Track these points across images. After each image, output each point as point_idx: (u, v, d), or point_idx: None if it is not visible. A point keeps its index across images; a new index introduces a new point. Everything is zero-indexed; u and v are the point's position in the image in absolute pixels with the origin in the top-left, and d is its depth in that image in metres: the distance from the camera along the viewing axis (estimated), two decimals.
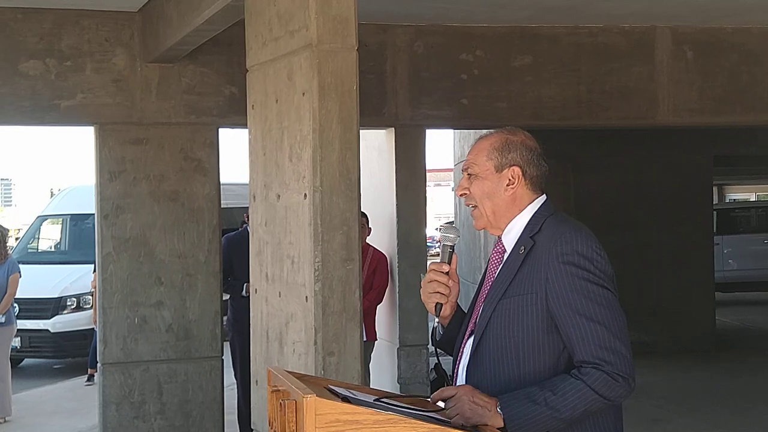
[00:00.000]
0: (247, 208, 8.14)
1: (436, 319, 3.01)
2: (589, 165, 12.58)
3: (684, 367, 11.76)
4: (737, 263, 19.14)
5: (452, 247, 2.97)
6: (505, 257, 2.88)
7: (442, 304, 2.95)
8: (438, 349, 3.03)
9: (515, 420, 2.63)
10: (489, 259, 2.96)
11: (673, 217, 12.78)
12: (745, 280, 19.20)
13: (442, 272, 2.93)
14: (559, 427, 2.67)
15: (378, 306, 8.34)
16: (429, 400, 2.87)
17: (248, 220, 8.25)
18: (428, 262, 8.78)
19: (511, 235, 2.88)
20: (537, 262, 2.75)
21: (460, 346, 2.92)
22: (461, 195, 2.95)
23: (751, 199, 34.89)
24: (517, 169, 2.86)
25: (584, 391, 2.63)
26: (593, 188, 12.54)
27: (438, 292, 2.93)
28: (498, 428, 2.63)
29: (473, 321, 2.90)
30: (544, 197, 2.91)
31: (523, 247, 2.81)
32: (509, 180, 2.86)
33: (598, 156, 12.58)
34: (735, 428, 8.70)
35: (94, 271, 10.72)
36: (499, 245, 2.93)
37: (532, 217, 2.86)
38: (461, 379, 2.87)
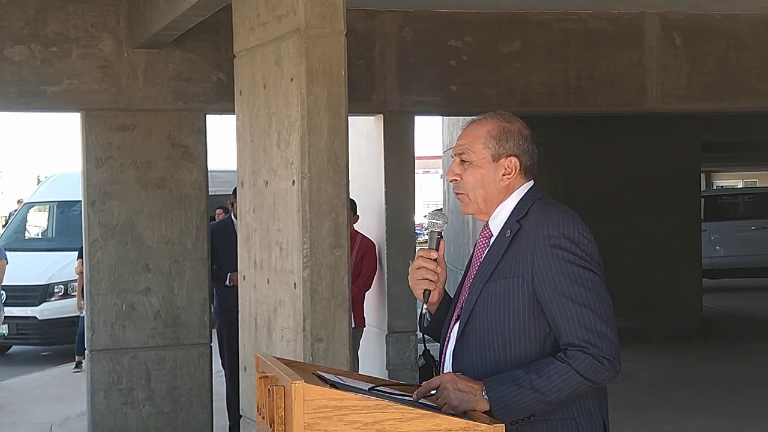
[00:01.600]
0: (230, 195, 8.14)
1: (424, 306, 3.00)
2: (578, 151, 12.58)
3: (671, 353, 11.80)
4: (724, 250, 19.20)
5: (440, 233, 2.95)
6: (491, 241, 2.87)
7: (430, 291, 2.93)
8: (426, 336, 3.02)
9: (501, 403, 2.63)
10: (476, 244, 2.95)
11: (661, 204, 12.80)
12: (732, 267, 19.27)
13: (431, 259, 2.92)
14: (545, 409, 2.67)
15: (366, 293, 8.34)
16: (418, 386, 2.86)
17: (232, 207, 8.24)
18: (417, 249, 8.79)
19: (497, 220, 2.87)
20: (523, 246, 2.74)
21: (447, 331, 2.91)
22: (452, 180, 2.92)
23: (738, 186, 35.00)
24: (514, 160, 2.84)
25: (569, 374, 2.63)
26: (581, 175, 12.55)
27: (426, 279, 2.91)
28: (484, 412, 2.62)
29: (459, 306, 2.89)
30: (531, 182, 2.90)
31: (509, 231, 2.80)
32: (506, 170, 2.84)
33: (587, 142, 12.58)
34: (721, 413, 8.73)
35: (79, 257, 10.74)
36: (485, 230, 2.91)
37: (519, 201, 2.85)
38: (448, 364, 2.86)
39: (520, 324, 2.72)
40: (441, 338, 2.95)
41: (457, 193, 2.92)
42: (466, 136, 2.89)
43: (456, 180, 2.90)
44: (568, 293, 2.67)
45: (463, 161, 2.88)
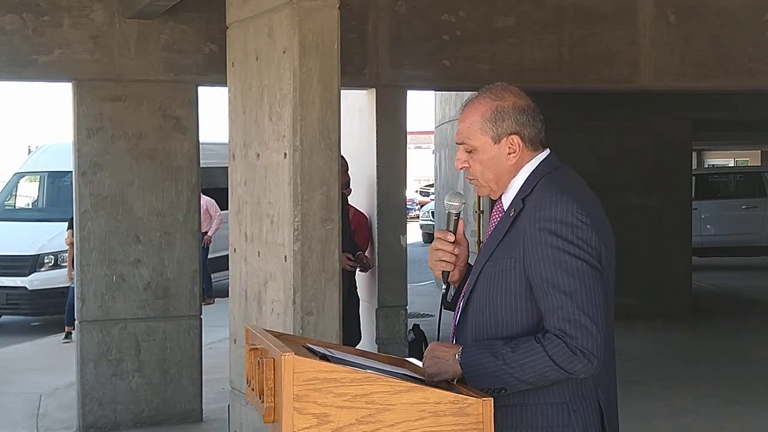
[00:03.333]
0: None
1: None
2: (570, 128, 12.55)
3: (660, 330, 11.85)
4: (715, 228, 19.24)
5: (458, 214, 2.94)
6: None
7: (448, 272, 2.93)
8: (446, 310, 2.99)
9: (471, 369, 2.62)
10: (491, 219, 2.94)
11: (652, 182, 12.81)
12: (722, 245, 19.32)
13: (448, 241, 2.91)
14: (515, 386, 2.63)
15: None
16: (408, 360, 2.87)
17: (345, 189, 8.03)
18: (407, 224, 8.79)
19: (509, 195, 2.83)
20: (521, 226, 2.70)
21: (458, 306, 2.91)
22: (461, 168, 2.89)
23: (729, 165, 35.05)
24: (515, 138, 2.79)
25: (541, 357, 2.58)
26: (573, 151, 12.50)
27: (443, 260, 2.91)
28: (459, 381, 2.63)
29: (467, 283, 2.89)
30: (545, 153, 2.85)
31: (513, 210, 2.76)
32: (510, 149, 2.80)
33: (579, 119, 12.56)
34: (710, 390, 8.78)
35: (69, 228, 10.72)
36: (498, 204, 2.89)
37: (529, 176, 2.80)
38: (452, 339, 2.87)
39: (513, 305, 2.70)
40: (454, 314, 2.95)
41: (470, 179, 2.90)
42: (463, 122, 2.85)
43: (465, 167, 2.87)
44: (551, 280, 2.61)
45: (467, 151, 2.85)
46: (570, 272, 2.61)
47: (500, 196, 2.88)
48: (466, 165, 2.86)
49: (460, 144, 2.86)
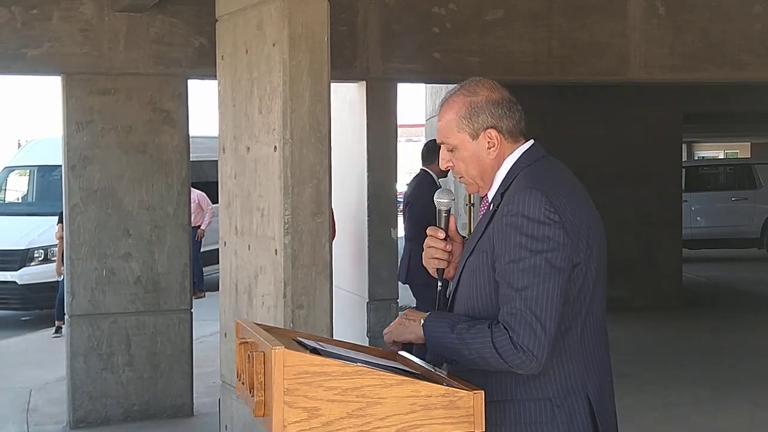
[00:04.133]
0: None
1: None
2: (560, 121, 12.55)
3: (650, 323, 11.87)
4: (705, 220, 19.29)
5: (447, 211, 2.95)
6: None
7: (443, 269, 2.94)
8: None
9: (430, 335, 2.70)
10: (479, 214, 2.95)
11: (642, 174, 12.82)
12: (712, 237, 19.37)
13: (438, 238, 2.92)
14: (464, 362, 2.65)
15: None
16: (399, 353, 2.87)
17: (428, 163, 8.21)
18: (398, 218, 8.80)
19: (492, 189, 2.83)
20: (494, 220, 2.71)
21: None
22: (446, 168, 2.90)
23: (719, 157, 35.11)
24: (492, 132, 2.78)
25: (487, 342, 2.58)
26: (564, 144, 12.49)
27: (436, 258, 2.93)
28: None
29: None
30: (527, 144, 2.84)
31: (493, 204, 2.77)
32: (488, 143, 2.79)
33: (569, 112, 12.56)
34: (701, 382, 8.80)
35: (59, 222, 10.69)
36: (485, 200, 2.89)
37: (509, 170, 2.80)
38: None
39: (486, 299, 2.70)
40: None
41: (458, 178, 2.91)
42: (441, 121, 2.85)
43: (450, 167, 2.88)
44: (506, 275, 2.61)
45: (449, 150, 2.85)
46: (524, 269, 2.59)
47: (486, 193, 2.88)
48: (450, 164, 2.87)
49: (442, 143, 2.87)
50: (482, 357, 2.60)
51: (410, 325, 2.75)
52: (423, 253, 2.96)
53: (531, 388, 2.67)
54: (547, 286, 2.58)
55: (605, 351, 2.83)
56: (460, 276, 2.81)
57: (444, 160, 2.88)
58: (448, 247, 2.92)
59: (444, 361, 2.71)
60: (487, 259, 2.69)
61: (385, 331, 2.83)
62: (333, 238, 8.25)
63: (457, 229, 2.98)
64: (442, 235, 2.93)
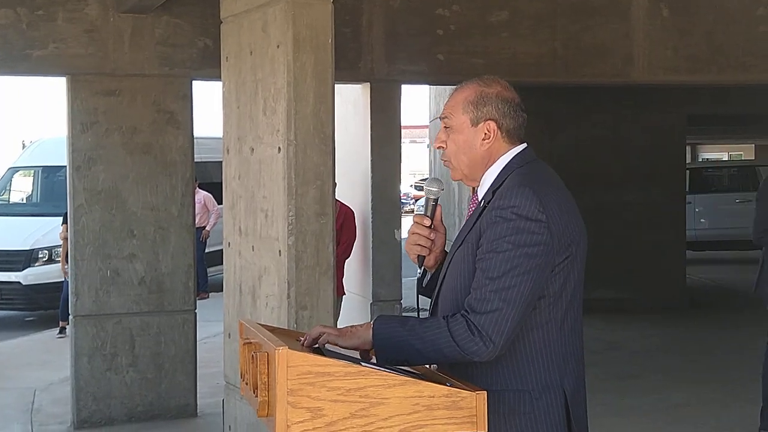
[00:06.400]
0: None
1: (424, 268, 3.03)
2: (564, 122, 12.58)
3: (655, 324, 11.86)
4: (709, 222, 19.26)
5: (435, 200, 2.98)
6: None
7: (424, 256, 2.96)
8: (422, 296, 3.03)
9: (379, 336, 2.66)
10: (467, 211, 2.97)
11: (647, 176, 12.82)
12: (716, 239, 19.33)
13: (424, 225, 2.95)
14: (415, 359, 2.65)
15: (348, 260, 8.34)
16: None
17: None
18: (402, 219, 8.81)
19: (483, 188, 2.87)
20: (485, 215, 2.75)
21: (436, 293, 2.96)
22: (438, 147, 2.94)
23: (723, 159, 35.07)
24: (492, 124, 2.83)
25: (443, 332, 2.60)
26: (568, 146, 12.55)
27: (419, 245, 2.95)
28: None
29: None
30: (520, 147, 2.88)
31: (484, 201, 2.81)
32: (485, 134, 2.84)
33: (573, 113, 12.57)
34: (705, 384, 8.80)
35: (63, 222, 10.71)
36: (474, 197, 2.93)
37: (502, 169, 2.84)
38: None
39: (468, 289, 2.71)
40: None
41: (444, 161, 2.94)
42: (450, 101, 2.90)
43: (442, 147, 2.92)
44: (484, 262, 2.65)
45: (446, 127, 2.90)
46: (503, 260, 2.63)
47: (476, 190, 2.91)
48: (443, 145, 2.91)
49: (443, 119, 2.91)
50: (436, 348, 2.61)
51: (356, 331, 2.72)
52: (407, 239, 2.99)
53: (511, 380, 2.71)
54: (521, 280, 2.62)
55: (582, 348, 2.87)
56: (447, 269, 2.84)
57: (438, 139, 2.93)
58: (432, 235, 2.96)
59: (391, 364, 2.65)
60: (472, 251, 2.73)
61: (320, 331, 2.74)
62: (354, 241, 8.28)
63: (441, 220, 3.01)
64: (428, 222, 2.96)
